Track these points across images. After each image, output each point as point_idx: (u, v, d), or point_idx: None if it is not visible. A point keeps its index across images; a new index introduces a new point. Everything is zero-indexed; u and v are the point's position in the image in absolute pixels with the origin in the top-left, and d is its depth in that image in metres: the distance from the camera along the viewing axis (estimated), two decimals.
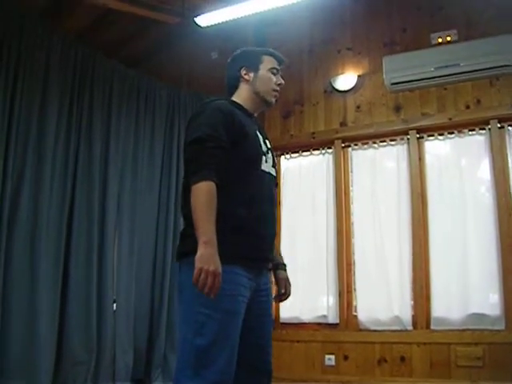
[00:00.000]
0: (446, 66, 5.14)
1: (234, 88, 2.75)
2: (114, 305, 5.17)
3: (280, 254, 2.85)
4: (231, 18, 5.14)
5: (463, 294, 5.05)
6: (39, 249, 4.51)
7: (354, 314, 5.46)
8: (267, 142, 2.69)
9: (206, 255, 2.19)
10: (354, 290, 5.53)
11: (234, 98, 2.71)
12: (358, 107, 5.77)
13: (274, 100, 2.74)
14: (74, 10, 5.70)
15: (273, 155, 2.70)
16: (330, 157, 5.86)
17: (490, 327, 4.89)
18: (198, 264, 2.18)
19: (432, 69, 5.22)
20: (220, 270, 2.19)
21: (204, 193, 2.28)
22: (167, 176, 5.78)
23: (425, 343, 5.06)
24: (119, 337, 5.08)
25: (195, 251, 2.22)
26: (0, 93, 4.40)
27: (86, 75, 5.18)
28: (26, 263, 4.45)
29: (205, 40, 5.97)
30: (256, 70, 2.71)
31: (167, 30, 6.25)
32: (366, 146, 5.73)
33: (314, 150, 5.98)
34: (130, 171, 5.45)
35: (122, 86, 5.53)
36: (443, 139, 5.43)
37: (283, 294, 2.76)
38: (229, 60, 2.82)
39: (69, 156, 4.91)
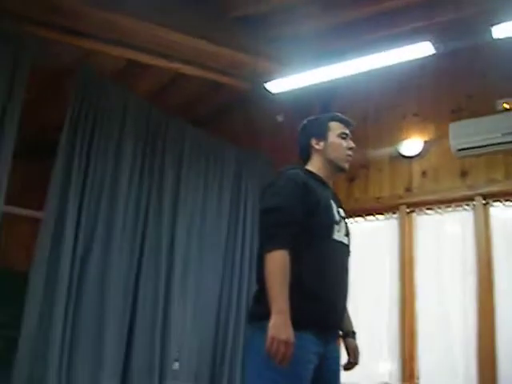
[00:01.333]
0: None
1: (307, 157, 2.82)
2: (177, 364, 5.20)
3: (350, 322, 2.86)
4: (300, 86, 5.25)
5: None
6: (107, 307, 4.61)
7: (417, 381, 5.34)
8: (341, 210, 2.74)
9: (279, 324, 2.24)
10: (417, 357, 5.42)
11: (308, 167, 2.77)
12: (424, 173, 5.76)
13: (347, 165, 2.82)
14: (146, 73, 5.92)
15: (346, 224, 2.73)
16: (395, 221, 5.85)
17: None
18: (271, 332, 2.22)
19: (499, 135, 5.19)
20: (293, 339, 2.23)
21: (277, 261, 2.34)
22: (233, 238, 5.87)
23: None
24: None
25: (267, 316, 2.26)
26: (76, 154, 4.56)
27: (159, 135, 5.35)
28: (93, 320, 4.53)
29: (271, 104, 6.08)
30: (325, 138, 2.78)
31: (236, 93, 6.41)
32: (430, 212, 5.70)
33: (378, 214, 5.98)
34: (198, 231, 5.56)
35: (191, 147, 5.67)
36: (510, 205, 5.37)
37: (352, 363, 2.77)
38: (298, 130, 2.90)
39: (139, 216, 5.06)
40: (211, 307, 5.56)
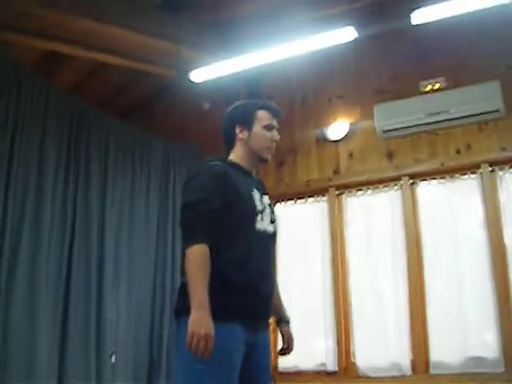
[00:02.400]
0: (436, 113, 5.23)
1: (230, 144, 2.77)
2: (113, 357, 5.15)
3: (283, 308, 2.86)
4: (224, 74, 5.23)
5: (461, 336, 5.04)
6: (38, 305, 4.49)
7: (353, 360, 5.44)
8: (265, 197, 2.71)
9: (198, 319, 2.24)
10: (352, 336, 5.52)
11: (231, 156, 2.74)
12: (351, 155, 5.85)
13: (269, 156, 2.76)
14: (67, 64, 5.79)
15: (272, 211, 2.72)
16: (325, 204, 5.92)
17: (488, 370, 4.86)
18: (190, 328, 2.23)
19: (422, 115, 5.29)
20: (212, 333, 2.24)
21: (196, 256, 2.35)
22: (163, 229, 5.84)
23: None
24: None
25: (189, 310, 2.27)
26: None
27: (83, 129, 5.25)
28: (25, 321, 4.41)
29: (197, 91, 6.02)
30: (250, 128, 2.72)
31: (160, 82, 6.35)
32: (359, 193, 5.79)
33: (308, 197, 6.03)
34: (127, 225, 5.50)
35: (117, 139, 5.60)
36: (436, 184, 5.50)
37: (286, 349, 2.79)
38: (224, 116, 2.83)
39: (67, 209, 4.96)
40: (145, 302, 5.53)
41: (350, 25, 4.78)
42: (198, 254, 2.35)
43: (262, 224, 2.61)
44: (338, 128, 5.93)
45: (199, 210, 2.43)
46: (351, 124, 5.90)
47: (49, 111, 4.94)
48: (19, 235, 4.50)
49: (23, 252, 4.50)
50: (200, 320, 2.24)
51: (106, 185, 5.36)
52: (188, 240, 2.40)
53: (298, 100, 6.27)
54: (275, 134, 2.76)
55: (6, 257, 4.37)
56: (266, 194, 2.75)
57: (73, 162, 5.10)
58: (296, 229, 6.02)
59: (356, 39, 4.92)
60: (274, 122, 2.77)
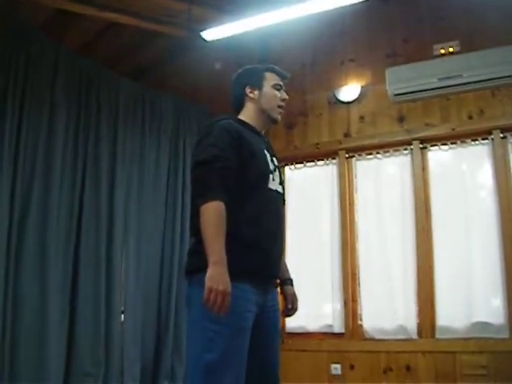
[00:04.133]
0: (449, 77, 5.15)
1: (240, 106, 2.80)
2: (122, 316, 5.21)
3: (287, 269, 2.88)
4: (236, 33, 5.18)
5: (468, 302, 5.08)
6: (48, 263, 4.56)
7: (360, 323, 5.49)
8: (274, 159, 2.73)
9: (216, 275, 2.24)
10: (359, 299, 5.57)
11: (240, 116, 2.75)
12: (362, 118, 5.82)
13: (279, 116, 2.79)
14: (78, 23, 5.73)
15: (280, 172, 2.73)
16: (335, 167, 5.91)
17: (494, 335, 4.91)
18: (208, 283, 2.22)
19: (435, 80, 5.23)
20: (230, 289, 2.24)
21: (213, 213, 2.33)
22: (173, 189, 5.85)
23: (430, 352, 5.09)
24: (127, 348, 5.13)
25: (205, 268, 2.26)
26: (8, 105, 4.45)
27: (93, 87, 5.25)
28: (36, 277, 4.49)
29: (208, 51, 6.00)
30: (260, 87, 2.76)
31: (172, 42, 6.30)
32: (369, 157, 5.77)
33: (318, 160, 6.02)
34: (137, 183, 5.52)
35: (127, 98, 5.60)
36: (446, 149, 5.48)
37: (290, 309, 2.81)
38: (233, 78, 2.87)
39: (77, 167, 4.99)
40: (154, 260, 5.58)
41: None
42: (215, 211, 2.33)
43: (274, 184, 2.63)
44: (349, 91, 5.90)
45: (215, 166, 2.42)
46: (362, 87, 5.86)
47: (58, 71, 4.93)
48: (30, 192, 4.54)
49: (33, 210, 4.54)
50: (218, 276, 2.23)
51: (116, 143, 5.36)
52: (204, 197, 2.37)
53: (308, 62, 6.21)
54: (284, 94, 2.80)
55: (15, 219, 4.41)
56: (274, 155, 2.76)
57: (83, 121, 5.11)
58: (305, 192, 6.03)
59: (367, 0, 4.85)
60: (282, 83, 2.82)
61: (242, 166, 2.50)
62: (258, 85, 2.77)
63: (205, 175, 2.43)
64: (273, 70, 2.83)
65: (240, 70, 2.87)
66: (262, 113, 2.76)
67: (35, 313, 4.43)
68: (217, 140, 2.50)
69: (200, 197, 2.39)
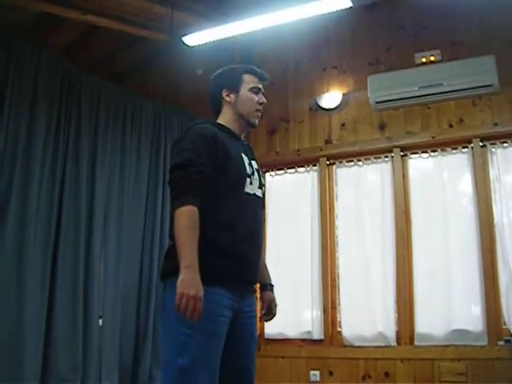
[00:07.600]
0: (430, 86, 5.19)
1: (218, 109, 2.76)
2: (100, 320, 5.16)
3: (268, 274, 2.87)
4: (218, 38, 5.18)
5: (446, 309, 5.10)
6: (26, 267, 4.51)
7: (339, 329, 5.49)
8: (254, 163, 2.71)
9: (188, 280, 2.23)
10: (339, 305, 5.57)
11: (219, 120, 2.72)
12: (343, 125, 5.83)
13: (256, 120, 2.75)
14: (60, 26, 5.70)
15: (260, 176, 2.71)
16: (315, 174, 5.91)
17: (472, 343, 4.93)
18: (179, 289, 2.21)
19: (416, 88, 5.26)
20: (201, 294, 2.23)
21: (185, 217, 2.32)
22: (153, 192, 5.81)
23: (409, 359, 5.09)
24: (105, 353, 5.07)
25: (177, 272, 2.25)
26: None
27: (73, 92, 5.21)
28: (13, 281, 4.44)
29: (190, 57, 5.98)
30: (237, 90, 2.72)
31: (154, 47, 6.28)
32: (350, 164, 5.79)
33: (299, 167, 6.02)
34: (117, 187, 5.47)
35: (108, 102, 5.55)
36: (427, 157, 5.51)
37: (268, 315, 2.80)
38: (211, 79, 2.83)
39: (56, 170, 4.94)
40: (133, 263, 5.53)
41: None
42: (187, 216, 2.32)
43: (252, 188, 2.61)
44: (331, 98, 5.91)
45: (188, 171, 2.40)
46: (344, 94, 5.88)
47: (39, 74, 4.89)
48: (9, 192, 4.51)
49: (12, 210, 4.50)
50: (189, 280, 2.22)
51: (97, 148, 5.32)
52: (177, 201, 2.36)
53: (291, 68, 6.23)
54: (262, 97, 2.76)
55: None
56: (254, 159, 2.74)
57: (63, 126, 5.06)
58: (286, 198, 6.03)
59: (351, 8, 4.86)
60: (260, 86, 2.78)
61: (218, 169, 2.48)
62: (234, 88, 2.72)
63: (179, 179, 2.42)
64: (252, 72, 2.77)
65: (218, 71, 2.83)
66: (240, 117, 2.72)
67: (11, 317, 4.38)
68: (191, 144, 2.48)
69: (173, 201, 2.40)
